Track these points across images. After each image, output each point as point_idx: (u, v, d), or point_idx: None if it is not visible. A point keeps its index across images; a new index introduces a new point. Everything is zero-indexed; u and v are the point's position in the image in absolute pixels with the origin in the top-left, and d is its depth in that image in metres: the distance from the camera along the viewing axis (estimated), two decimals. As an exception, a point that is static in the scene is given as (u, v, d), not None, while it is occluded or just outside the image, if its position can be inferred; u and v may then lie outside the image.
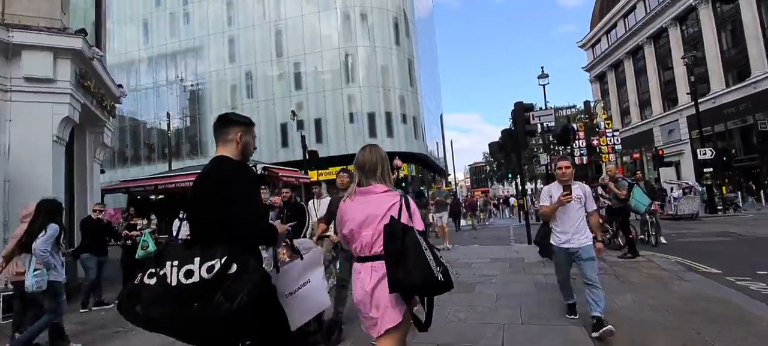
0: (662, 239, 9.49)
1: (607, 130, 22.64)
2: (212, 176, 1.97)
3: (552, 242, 4.10)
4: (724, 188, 18.71)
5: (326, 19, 30.48)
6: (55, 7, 7.38)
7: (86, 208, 8.51)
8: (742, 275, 6.11)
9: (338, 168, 4.71)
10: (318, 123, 30.23)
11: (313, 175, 21.06)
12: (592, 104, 25.26)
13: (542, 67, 20.89)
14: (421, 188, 27.23)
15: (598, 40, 41.76)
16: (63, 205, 5.06)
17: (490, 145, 12.45)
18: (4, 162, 6.76)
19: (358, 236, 2.10)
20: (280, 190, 5.96)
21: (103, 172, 12.19)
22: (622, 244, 8.41)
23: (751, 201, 20.02)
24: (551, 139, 27.86)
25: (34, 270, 3.96)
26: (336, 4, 30.31)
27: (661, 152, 23.55)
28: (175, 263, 1.70)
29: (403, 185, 24.76)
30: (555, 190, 4.09)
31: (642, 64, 35.36)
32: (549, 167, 17.97)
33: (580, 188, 4.03)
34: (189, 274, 1.67)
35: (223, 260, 1.69)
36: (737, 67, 26.15)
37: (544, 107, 18.64)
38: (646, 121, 35.07)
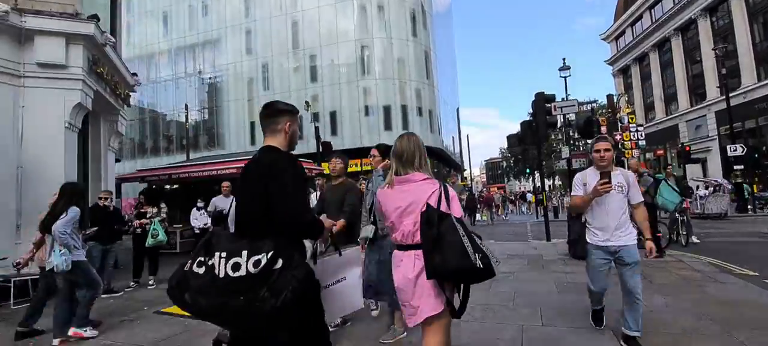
0: (694, 239, 8.96)
1: (630, 125, 21.77)
2: (260, 166, 1.94)
3: (587, 239, 3.37)
4: (755, 186, 17.80)
5: (343, 11, 30.21)
6: (67, -8, 7.32)
7: (100, 196, 8.51)
8: (784, 278, 5.66)
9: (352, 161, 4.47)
10: (333, 116, 30.09)
11: (325, 166, 20.95)
12: (615, 98, 24.36)
13: (564, 59, 20.19)
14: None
15: (623, 33, 40.41)
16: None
17: (509, 137, 12.04)
18: (17, 148, 6.76)
19: (399, 224, 2.12)
20: None
21: (118, 160, 12.29)
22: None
23: None
24: (573, 132, 27.06)
25: (60, 251, 4.04)
26: (353, -4, 30.02)
27: (687, 148, 22.60)
28: (223, 254, 1.71)
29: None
30: (591, 176, 3.31)
31: (668, 57, 34.05)
32: (571, 162, 17.29)
33: (622, 175, 3.29)
34: (236, 267, 1.68)
35: (269, 255, 1.70)
36: (771, 60, 24.89)
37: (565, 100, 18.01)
38: (671, 116, 33.82)
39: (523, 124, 10.88)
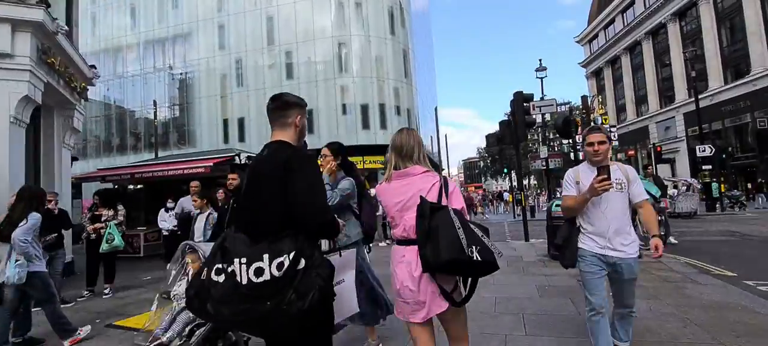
0: (672, 239, 8.99)
1: (603, 126, 22.21)
2: (275, 162, 1.82)
3: (581, 245, 2.85)
4: (722, 185, 18.38)
5: (319, 7, 29.63)
6: (12, -25, 6.67)
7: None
8: (761, 279, 5.65)
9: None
10: (310, 114, 29.49)
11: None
12: (589, 99, 24.79)
13: (540, 60, 20.40)
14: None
15: (596, 36, 41.37)
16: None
17: (488, 136, 11.92)
18: (-46, 144, 6.10)
19: (399, 219, 2.10)
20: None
21: (76, 159, 11.50)
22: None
23: (761, 199, 19.77)
24: (548, 133, 27.44)
25: (16, 261, 3.82)
26: (330, -8, 29.52)
27: (659, 149, 23.21)
28: (243, 260, 1.62)
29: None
30: (584, 173, 2.86)
31: (639, 60, 35.03)
32: (549, 162, 17.40)
33: (620, 170, 2.83)
34: (259, 272, 1.59)
35: (291, 256, 1.63)
36: (736, 64, 25.84)
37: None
38: (641, 117, 34.81)
39: (502, 123, 10.76)
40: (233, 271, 1.62)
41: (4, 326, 3.95)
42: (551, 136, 27.78)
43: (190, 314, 3.08)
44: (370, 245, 3.98)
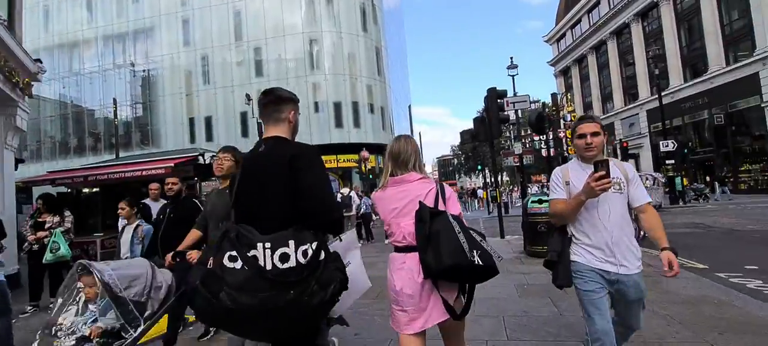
0: (643, 232, 9.11)
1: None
2: (278, 158, 1.78)
3: (575, 257, 2.34)
4: (684, 179, 19.12)
5: (289, 3, 28.93)
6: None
7: (-9, 202, 7.15)
8: (732, 270, 5.74)
9: None
10: (281, 112, 28.78)
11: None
12: (559, 96, 25.29)
13: (511, 58, 20.58)
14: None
15: (563, 35, 42.39)
16: None
17: (462, 133, 11.84)
18: None
19: (396, 226, 2.07)
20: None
21: (21, 161, 10.61)
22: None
23: (724, 191, 20.69)
24: (521, 131, 27.82)
25: None
26: (300, -13, 28.86)
27: (625, 144, 23.91)
28: (268, 245, 1.58)
29: (371, 176, 23.94)
30: (575, 172, 2.40)
31: (605, 59, 36.11)
32: (523, 159, 17.48)
33: (617, 168, 2.35)
34: (284, 258, 1.57)
35: (314, 246, 1.63)
36: (694, 63, 26.97)
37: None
38: (607, 114, 35.90)
39: (476, 120, 10.65)
40: (255, 256, 1.57)
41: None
42: (524, 134, 28.17)
43: None
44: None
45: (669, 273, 2.18)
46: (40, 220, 5.96)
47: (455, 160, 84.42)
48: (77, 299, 2.69)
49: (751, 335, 3.31)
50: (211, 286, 1.57)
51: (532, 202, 7.33)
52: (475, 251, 1.84)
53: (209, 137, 29.13)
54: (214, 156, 9.49)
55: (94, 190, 11.22)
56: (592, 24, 36.70)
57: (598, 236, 2.27)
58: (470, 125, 11.07)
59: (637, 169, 27.18)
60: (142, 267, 2.65)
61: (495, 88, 10.02)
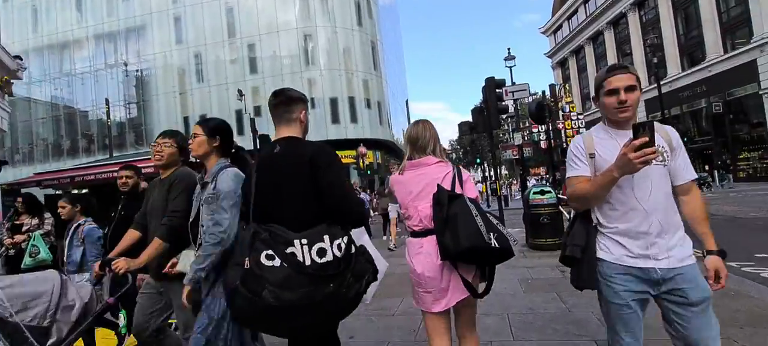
0: None
1: (571, 114, 22.47)
2: (296, 158, 1.81)
3: (602, 254, 1.75)
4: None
5: (282, -2, 28.60)
6: None
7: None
8: (743, 260, 5.52)
9: None
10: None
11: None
12: (557, 87, 25.08)
13: (509, 49, 20.22)
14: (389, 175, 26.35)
15: (560, 26, 42.13)
16: None
17: (460, 124, 11.61)
18: None
19: (414, 210, 2.08)
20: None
21: (5, 162, 10.30)
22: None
23: (729, 178, 20.58)
24: (520, 123, 27.61)
25: None
26: (293, -18, 28.48)
27: (624, 135, 23.73)
28: (304, 241, 1.62)
29: (368, 172, 23.70)
30: (602, 141, 1.78)
31: (602, 50, 35.87)
32: (523, 151, 17.24)
33: (659, 135, 1.70)
34: (322, 252, 1.62)
35: (345, 240, 1.70)
36: (691, 51, 26.77)
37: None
38: (605, 105, 35.73)
39: (475, 111, 10.41)
40: (293, 253, 1.60)
41: None
42: (522, 126, 27.97)
43: None
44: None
45: (715, 286, 1.69)
46: (17, 222, 5.67)
47: (454, 155, 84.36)
48: None
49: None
50: (252, 285, 1.59)
51: (534, 193, 7.12)
52: (491, 234, 1.85)
53: (204, 136, 28.84)
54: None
55: (83, 191, 10.98)
56: (588, 14, 36.44)
57: (636, 222, 1.68)
58: (471, 116, 10.85)
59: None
60: (47, 282, 2.17)
61: (493, 77, 9.77)
